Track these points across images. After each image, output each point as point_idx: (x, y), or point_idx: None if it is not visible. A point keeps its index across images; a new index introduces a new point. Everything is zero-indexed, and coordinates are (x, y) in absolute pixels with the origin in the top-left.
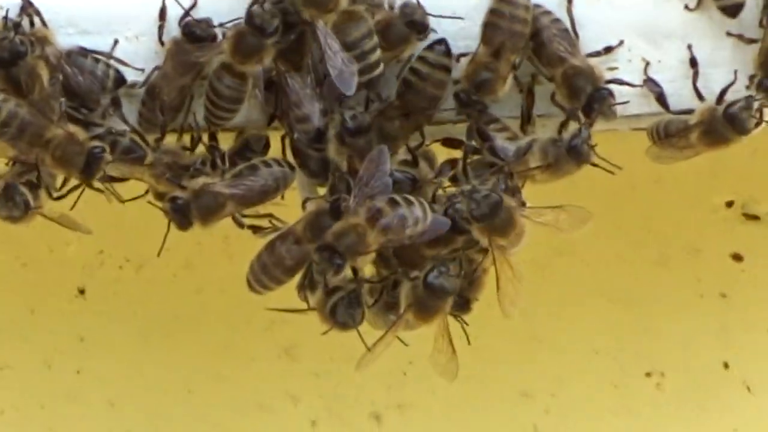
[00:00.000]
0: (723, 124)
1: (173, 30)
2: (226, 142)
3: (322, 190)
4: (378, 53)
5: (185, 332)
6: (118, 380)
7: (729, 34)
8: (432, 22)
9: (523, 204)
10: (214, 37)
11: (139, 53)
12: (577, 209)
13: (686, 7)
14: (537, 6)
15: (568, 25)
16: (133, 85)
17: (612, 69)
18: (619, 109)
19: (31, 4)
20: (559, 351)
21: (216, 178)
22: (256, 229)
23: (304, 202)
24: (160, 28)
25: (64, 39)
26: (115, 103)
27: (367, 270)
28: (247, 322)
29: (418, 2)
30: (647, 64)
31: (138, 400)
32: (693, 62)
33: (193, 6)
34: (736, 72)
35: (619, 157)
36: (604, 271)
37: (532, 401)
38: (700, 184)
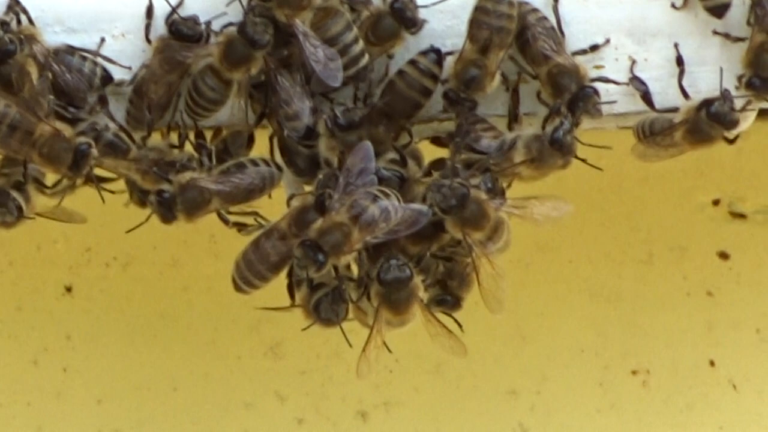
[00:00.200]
0: (707, 123)
1: (160, 28)
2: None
3: (308, 188)
4: (361, 44)
5: (172, 330)
6: (105, 378)
7: (716, 32)
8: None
9: (502, 196)
10: (200, 35)
11: (125, 51)
12: (553, 199)
13: (673, 5)
14: (523, 3)
15: (554, 23)
16: (121, 83)
17: (598, 67)
18: (605, 107)
19: (17, 3)
20: (544, 349)
21: (203, 174)
22: (241, 227)
23: (289, 199)
24: (147, 26)
25: (51, 37)
26: (102, 101)
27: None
28: (234, 321)
29: None
30: (633, 62)
31: (125, 398)
32: (679, 61)
33: (180, 4)
34: (721, 69)
35: (605, 155)
36: (590, 269)
37: (518, 399)
38: (687, 183)
